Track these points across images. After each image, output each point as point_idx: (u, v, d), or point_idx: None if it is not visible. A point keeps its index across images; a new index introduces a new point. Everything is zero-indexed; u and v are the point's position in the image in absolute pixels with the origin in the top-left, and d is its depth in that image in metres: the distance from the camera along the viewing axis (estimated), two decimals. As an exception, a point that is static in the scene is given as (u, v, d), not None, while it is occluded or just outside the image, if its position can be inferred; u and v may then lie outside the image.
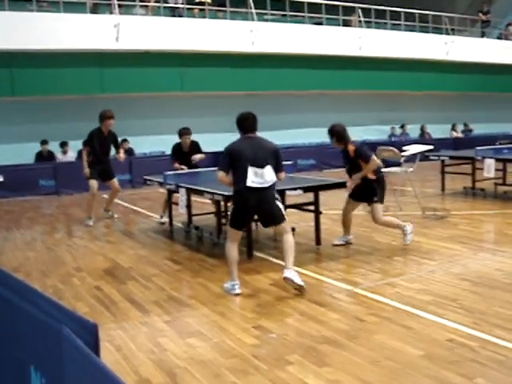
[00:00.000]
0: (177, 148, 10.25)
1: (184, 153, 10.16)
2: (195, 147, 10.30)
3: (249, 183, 5.91)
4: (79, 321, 2.55)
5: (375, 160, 7.56)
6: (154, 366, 4.30)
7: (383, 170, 10.51)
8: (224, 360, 4.36)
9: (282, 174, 6.31)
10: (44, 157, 16.06)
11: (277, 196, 6.20)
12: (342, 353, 4.38)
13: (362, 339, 4.64)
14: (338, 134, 7.64)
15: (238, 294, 5.98)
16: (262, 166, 5.97)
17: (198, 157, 10.20)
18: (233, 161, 6.03)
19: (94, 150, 10.59)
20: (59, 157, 16.24)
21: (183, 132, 10.17)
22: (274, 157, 6.18)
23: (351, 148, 7.61)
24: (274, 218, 6.15)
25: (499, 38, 24.20)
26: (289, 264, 5.96)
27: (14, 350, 3.22)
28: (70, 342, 2.42)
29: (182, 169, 9.99)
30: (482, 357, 4.21)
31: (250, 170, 5.92)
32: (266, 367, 4.19)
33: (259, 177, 5.95)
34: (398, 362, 4.17)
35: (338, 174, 15.07)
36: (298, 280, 5.83)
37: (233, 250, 6.13)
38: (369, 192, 7.63)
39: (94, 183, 10.69)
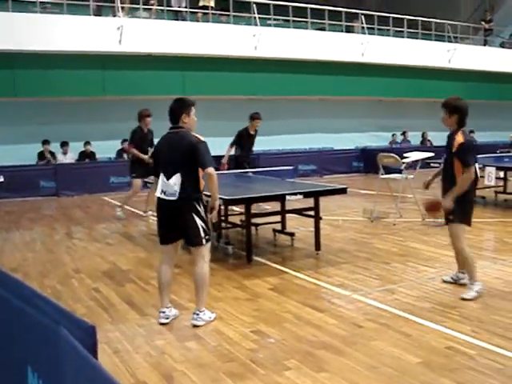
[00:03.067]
0: (245, 132, 11.25)
1: (250, 135, 11.24)
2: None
3: None
4: (77, 322, 2.55)
5: (473, 172, 5.81)
6: (151, 369, 4.29)
7: (384, 176, 10.59)
8: (222, 364, 4.35)
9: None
10: (46, 157, 15.99)
11: None
12: (340, 358, 4.38)
13: (360, 345, 4.64)
14: (451, 106, 6.01)
15: None
16: None
17: None
18: None
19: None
20: (59, 157, 16.20)
21: (255, 116, 11.25)
22: None
23: (459, 138, 5.86)
24: None
25: (502, 46, 24.22)
26: None
27: (12, 350, 3.22)
28: (68, 343, 2.41)
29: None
30: (481, 365, 4.20)
31: None
32: (263, 372, 4.18)
33: None
34: (395, 369, 4.16)
35: (339, 180, 15.10)
36: None
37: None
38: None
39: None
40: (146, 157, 10.77)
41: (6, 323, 3.39)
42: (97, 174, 15.61)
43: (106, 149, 16.83)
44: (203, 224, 5.23)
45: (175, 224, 5.25)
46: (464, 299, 5.73)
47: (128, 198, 11.46)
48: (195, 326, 5.22)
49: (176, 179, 5.13)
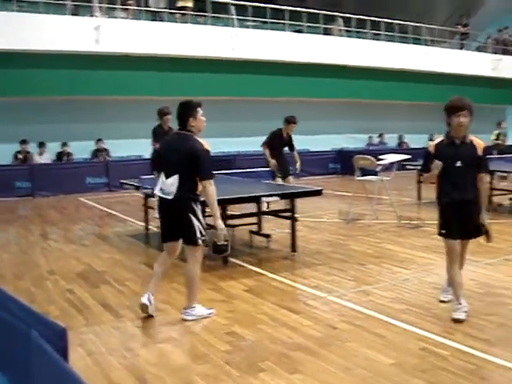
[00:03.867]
0: (277, 133, 11.17)
1: (282, 137, 11.17)
2: (290, 139, 11.29)
3: None
4: (48, 324, 2.52)
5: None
6: (125, 372, 4.26)
7: (360, 178, 10.64)
8: (196, 366, 4.34)
9: None
10: (21, 158, 15.84)
11: None
12: (315, 360, 4.39)
13: (335, 347, 4.65)
14: (471, 108, 5.35)
15: None
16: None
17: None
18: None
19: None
20: (35, 158, 16.05)
21: (290, 120, 11.17)
22: None
23: (480, 142, 5.42)
24: None
25: (478, 50, 24.47)
26: None
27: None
28: (39, 345, 2.39)
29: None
30: (454, 366, 4.24)
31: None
32: (237, 373, 4.18)
33: None
34: (369, 371, 4.18)
35: (315, 182, 15.12)
36: None
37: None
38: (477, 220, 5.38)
39: None
40: None
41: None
42: (73, 175, 15.50)
43: (81, 149, 16.73)
44: (199, 225, 5.30)
45: (173, 222, 5.38)
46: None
47: None
48: (184, 320, 5.35)
49: (174, 180, 5.24)
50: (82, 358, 4.48)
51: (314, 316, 5.44)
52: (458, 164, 5.24)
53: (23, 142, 15.79)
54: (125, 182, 9.92)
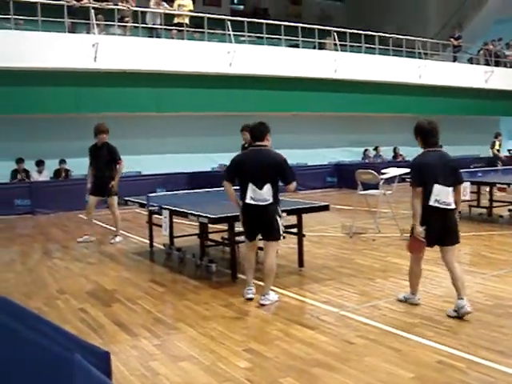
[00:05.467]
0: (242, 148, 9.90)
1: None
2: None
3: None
4: (90, 349, 2.55)
5: (416, 193, 5.89)
6: (148, 391, 4.30)
7: (363, 192, 10.70)
8: (218, 384, 4.38)
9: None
10: (16, 177, 15.84)
11: None
12: (335, 375, 4.44)
13: (354, 362, 4.70)
14: (414, 130, 6.23)
15: None
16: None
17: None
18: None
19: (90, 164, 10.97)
20: (34, 176, 16.06)
21: (241, 128, 9.70)
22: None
23: None
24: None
25: (470, 62, 24.71)
26: None
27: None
28: (85, 371, 2.41)
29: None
30: (472, 378, 4.31)
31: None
32: (260, 391, 4.22)
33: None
34: (390, 385, 4.24)
35: (314, 196, 15.18)
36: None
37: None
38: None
39: (90, 198, 11.00)
40: (88, 182, 10.88)
41: (12, 355, 3.34)
42: (72, 192, 15.47)
43: (80, 166, 16.72)
44: (281, 223, 6.49)
45: (260, 223, 6.46)
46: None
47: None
48: (262, 305, 6.36)
49: (267, 189, 6.33)
50: (103, 378, 4.50)
51: (329, 331, 5.49)
52: None
53: (20, 160, 15.77)
54: (129, 199, 9.92)
